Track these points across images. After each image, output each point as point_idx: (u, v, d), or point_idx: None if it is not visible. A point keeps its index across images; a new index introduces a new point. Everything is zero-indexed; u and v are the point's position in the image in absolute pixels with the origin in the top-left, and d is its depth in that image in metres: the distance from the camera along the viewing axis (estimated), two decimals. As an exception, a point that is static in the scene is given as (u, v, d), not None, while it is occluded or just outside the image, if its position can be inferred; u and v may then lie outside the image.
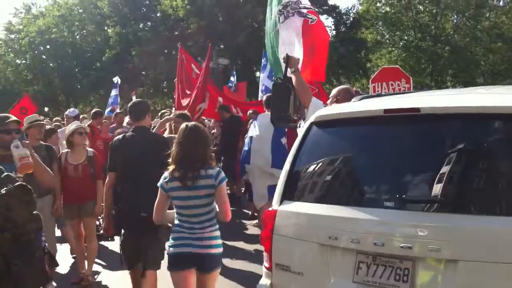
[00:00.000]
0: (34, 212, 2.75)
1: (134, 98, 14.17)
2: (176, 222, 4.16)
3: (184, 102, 9.65)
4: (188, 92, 9.90)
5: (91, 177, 6.36)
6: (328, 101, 5.01)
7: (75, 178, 6.28)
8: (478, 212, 2.58)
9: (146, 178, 4.76)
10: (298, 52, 6.06)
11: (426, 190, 2.72)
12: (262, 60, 12.76)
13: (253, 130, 7.57)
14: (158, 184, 4.16)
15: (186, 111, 7.75)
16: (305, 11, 6.76)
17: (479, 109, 2.69)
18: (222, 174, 4.13)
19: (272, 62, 7.06)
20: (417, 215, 2.68)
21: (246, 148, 7.78)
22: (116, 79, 15.72)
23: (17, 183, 2.70)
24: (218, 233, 4.14)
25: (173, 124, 7.09)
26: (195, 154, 4.07)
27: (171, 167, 4.09)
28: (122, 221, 5.08)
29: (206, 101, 9.70)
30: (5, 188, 2.61)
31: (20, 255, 2.62)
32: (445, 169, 2.66)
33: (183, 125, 4.30)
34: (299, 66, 5.14)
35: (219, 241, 4.14)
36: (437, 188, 2.65)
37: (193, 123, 4.50)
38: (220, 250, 4.15)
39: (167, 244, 4.26)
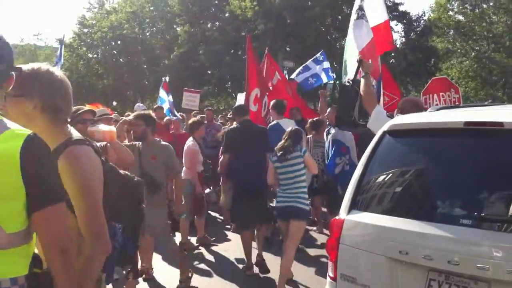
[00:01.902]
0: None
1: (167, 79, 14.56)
2: None
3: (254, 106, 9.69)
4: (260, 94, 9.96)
5: None
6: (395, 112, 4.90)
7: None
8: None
9: (253, 159, 6.68)
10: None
11: (503, 209, 2.58)
12: (319, 56, 13.19)
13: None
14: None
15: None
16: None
17: None
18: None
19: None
20: (494, 234, 2.54)
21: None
22: (164, 79, 15.44)
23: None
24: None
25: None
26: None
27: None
28: (238, 190, 6.78)
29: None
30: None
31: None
32: (525, 188, 2.53)
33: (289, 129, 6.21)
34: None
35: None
36: (516, 208, 2.52)
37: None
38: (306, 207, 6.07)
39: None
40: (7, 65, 1.94)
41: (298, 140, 6.08)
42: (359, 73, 4.82)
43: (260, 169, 6.63)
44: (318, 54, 13.25)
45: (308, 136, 9.01)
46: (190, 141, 8.07)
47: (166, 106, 13.53)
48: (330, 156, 7.94)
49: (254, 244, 6.98)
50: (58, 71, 2.43)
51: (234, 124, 7.52)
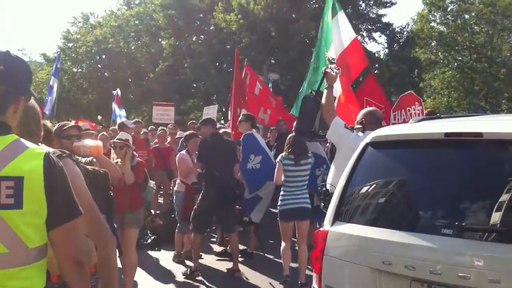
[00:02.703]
0: None
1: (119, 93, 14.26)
2: None
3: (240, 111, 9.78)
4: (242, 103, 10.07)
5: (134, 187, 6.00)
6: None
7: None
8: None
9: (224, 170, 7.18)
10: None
11: (484, 218, 2.63)
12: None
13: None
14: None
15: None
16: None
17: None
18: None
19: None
20: (476, 244, 2.58)
21: None
22: (116, 92, 14.92)
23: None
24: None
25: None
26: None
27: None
28: (209, 196, 7.13)
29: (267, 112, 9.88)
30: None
31: None
32: (505, 197, 2.57)
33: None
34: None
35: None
36: (495, 217, 2.56)
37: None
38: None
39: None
40: (6, 88, 1.97)
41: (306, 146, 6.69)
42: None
43: (231, 178, 7.29)
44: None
45: None
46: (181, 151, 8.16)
47: (118, 121, 12.88)
48: None
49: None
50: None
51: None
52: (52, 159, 1.96)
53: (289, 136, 6.85)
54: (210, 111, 15.15)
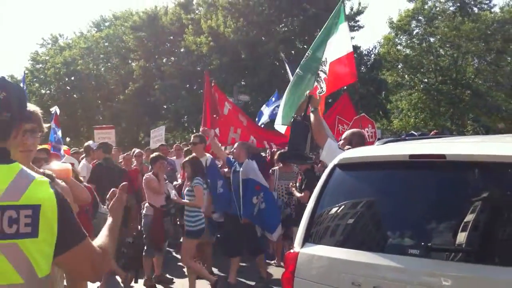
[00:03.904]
0: None
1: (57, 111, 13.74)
2: None
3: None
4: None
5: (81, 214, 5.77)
6: (340, 143, 5.08)
7: None
8: (503, 263, 2.51)
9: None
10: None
11: (450, 238, 2.68)
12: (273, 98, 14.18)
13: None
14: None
15: None
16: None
17: (506, 158, 2.67)
18: None
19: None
20: (441, 264, 2.63)
21: None
22: (54, 109, 14.02)
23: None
24: None
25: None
26: None
27: None
28: None
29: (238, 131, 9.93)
30: None
31: None
32: (469, 217, 2.63)
33: None
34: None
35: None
36: (461, 237, 2.61)
37: None
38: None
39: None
40: (11, 115, 1.96)
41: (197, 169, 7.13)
42: (308, 109, 4.96)
43: None
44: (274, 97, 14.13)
45: (274, 168, 9.05)
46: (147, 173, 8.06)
47: (54, 142, 11.99)
48: (242, 197, 7.54)
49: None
50: None
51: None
52: (57, 187, 1.99)
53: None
54: (158, 133, 14.97)
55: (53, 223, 1.88)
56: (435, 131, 10.67)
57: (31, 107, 2.39)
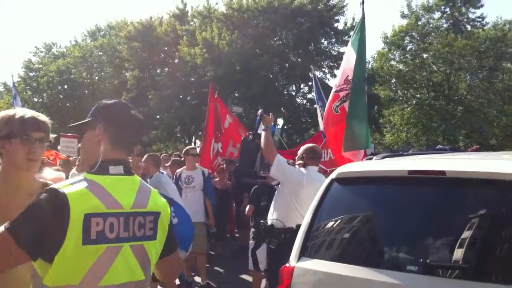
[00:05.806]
0: None
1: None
2: None
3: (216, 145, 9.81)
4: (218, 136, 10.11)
5: None
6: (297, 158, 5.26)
7: None
8: (500, 281, 2.50)
9: None
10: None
11: (448, 255, 2.67)
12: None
13: None
14: None
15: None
16: None
17: (505, 175, 2.66)
18: None
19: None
20: (438, 280, 2.61)
21: None
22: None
23: None
24: None
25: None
26: None
27: None
28: None
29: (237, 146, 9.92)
30: None
31: None
32: (468, 234, 2.62)
33: None
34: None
35: None
36: (458, 254, 2.60)
37: None
38: None
39: None
40: None
41: None
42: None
43: None
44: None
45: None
46: None
47: None
48: None
49: None
50: None
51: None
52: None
53: None
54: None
55: (165, 229, 2.22)
56: (476, 146, 10.68)
57: (41, 117, 2.59)
